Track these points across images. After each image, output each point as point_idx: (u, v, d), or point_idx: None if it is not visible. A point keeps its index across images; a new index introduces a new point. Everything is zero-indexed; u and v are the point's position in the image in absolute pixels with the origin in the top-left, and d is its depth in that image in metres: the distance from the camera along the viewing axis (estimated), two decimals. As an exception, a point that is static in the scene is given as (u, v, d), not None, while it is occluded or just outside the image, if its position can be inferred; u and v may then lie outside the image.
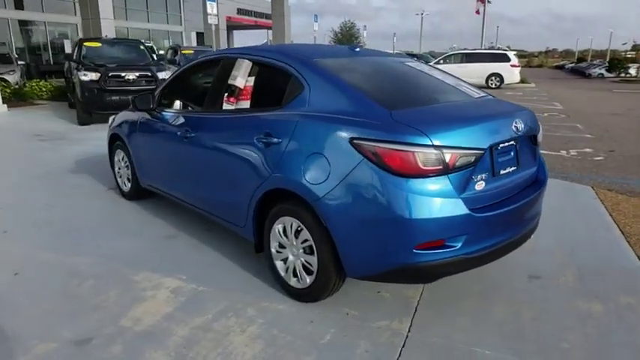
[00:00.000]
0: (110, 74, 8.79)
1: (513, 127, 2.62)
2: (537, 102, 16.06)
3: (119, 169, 4.79)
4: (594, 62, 48.77)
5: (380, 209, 2.28)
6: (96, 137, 7.82)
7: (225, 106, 3.26)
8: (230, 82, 3.17)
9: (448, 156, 2.26)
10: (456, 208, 2.28)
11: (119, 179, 4.83)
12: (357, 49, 3.43)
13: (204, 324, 2.60)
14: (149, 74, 9.20)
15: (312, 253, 2.65)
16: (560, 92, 21.39)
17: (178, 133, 3.58)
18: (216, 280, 3.11)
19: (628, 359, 2.36)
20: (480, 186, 2.43)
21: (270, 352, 2.37)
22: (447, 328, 2.58)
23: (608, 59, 47.54)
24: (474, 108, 2.86)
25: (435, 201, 2.25)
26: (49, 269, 3.24)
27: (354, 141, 2.36)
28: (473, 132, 2.41)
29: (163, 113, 3.89)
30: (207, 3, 9.31)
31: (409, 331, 2.55)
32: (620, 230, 4.01)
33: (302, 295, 2.81)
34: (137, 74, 9.02)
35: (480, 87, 3.55)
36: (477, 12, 29.90)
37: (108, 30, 15.35)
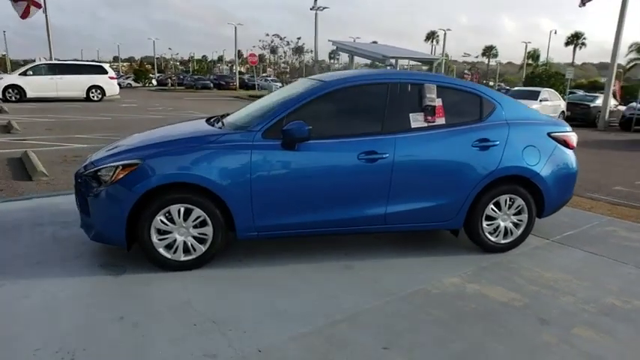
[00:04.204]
0: None
1: None
2: (171, 112, 17.55)
3: (163, 234, 3.35)
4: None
5: (569, 169, 4.12)
6: None
7: (416, 125, 3.72)
8: (429, 103, 3.71)
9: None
10: None
11: (161, 249, 3.37)
12: None
13: (531, 280, 3.51)
14: None
15: (520, 214, 4.01)
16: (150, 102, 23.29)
17: (358, 157, 3.53)
18: (461, 266, 3.77)
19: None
20: None
21: (570, 276, 3.65)
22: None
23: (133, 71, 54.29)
24: None
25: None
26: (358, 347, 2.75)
27: (551, 134, 4.03)
28: None
29: (312, 142, 3.48)
30: None
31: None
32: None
33: (500, 249, 4.04)
34: None
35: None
36: (23, 16, 26.60)
37: None
